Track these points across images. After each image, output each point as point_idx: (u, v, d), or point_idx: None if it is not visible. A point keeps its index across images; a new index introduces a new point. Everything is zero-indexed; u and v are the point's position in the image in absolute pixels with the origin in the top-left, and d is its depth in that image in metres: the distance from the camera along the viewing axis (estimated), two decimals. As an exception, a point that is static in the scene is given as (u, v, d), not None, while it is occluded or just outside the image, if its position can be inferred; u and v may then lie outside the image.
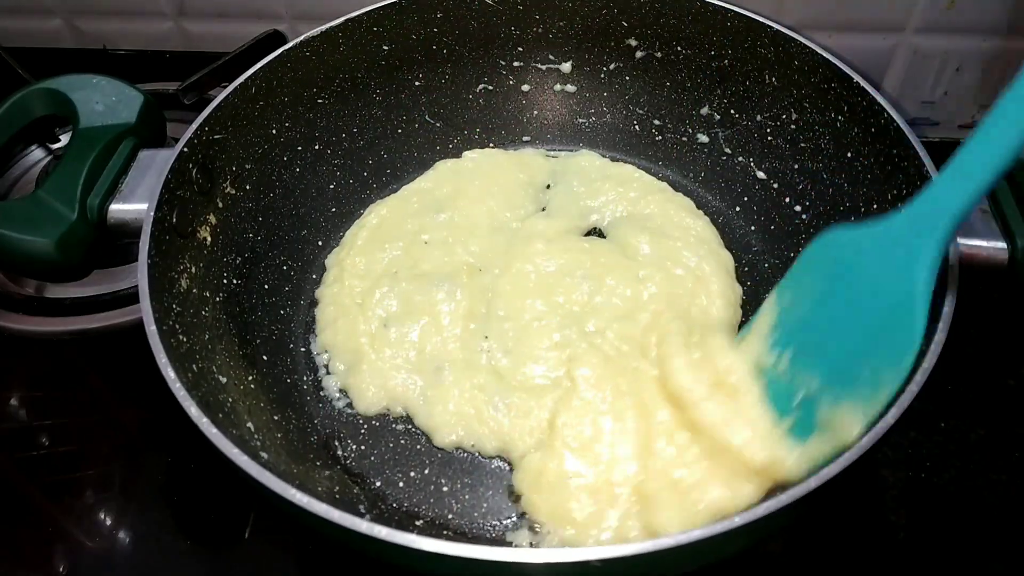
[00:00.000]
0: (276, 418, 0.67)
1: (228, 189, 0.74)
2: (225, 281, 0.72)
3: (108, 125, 0.70)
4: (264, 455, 0.58)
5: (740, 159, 0.86)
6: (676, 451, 0.58)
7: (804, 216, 0.79)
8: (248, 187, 0.76)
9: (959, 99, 0.98)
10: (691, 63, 0.85)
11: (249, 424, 0.61)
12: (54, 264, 0.65)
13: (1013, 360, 0.78)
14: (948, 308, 0.53)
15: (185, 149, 0.67)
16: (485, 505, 0.65)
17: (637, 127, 0.92)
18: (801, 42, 0.75)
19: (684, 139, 0.90)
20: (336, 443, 0.69)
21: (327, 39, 0.79)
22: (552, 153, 0.92)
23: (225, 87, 0.72)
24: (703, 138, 0.88)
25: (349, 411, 0.71)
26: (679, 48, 0.85)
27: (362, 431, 0.70)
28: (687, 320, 0.70)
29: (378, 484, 0.67)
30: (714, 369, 0.59)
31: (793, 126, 0.80)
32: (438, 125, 0.91)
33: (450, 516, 0.65)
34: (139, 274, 0.58)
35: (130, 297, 0.82)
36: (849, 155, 0.73)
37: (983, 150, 0.46)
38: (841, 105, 0.73)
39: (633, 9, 0.84)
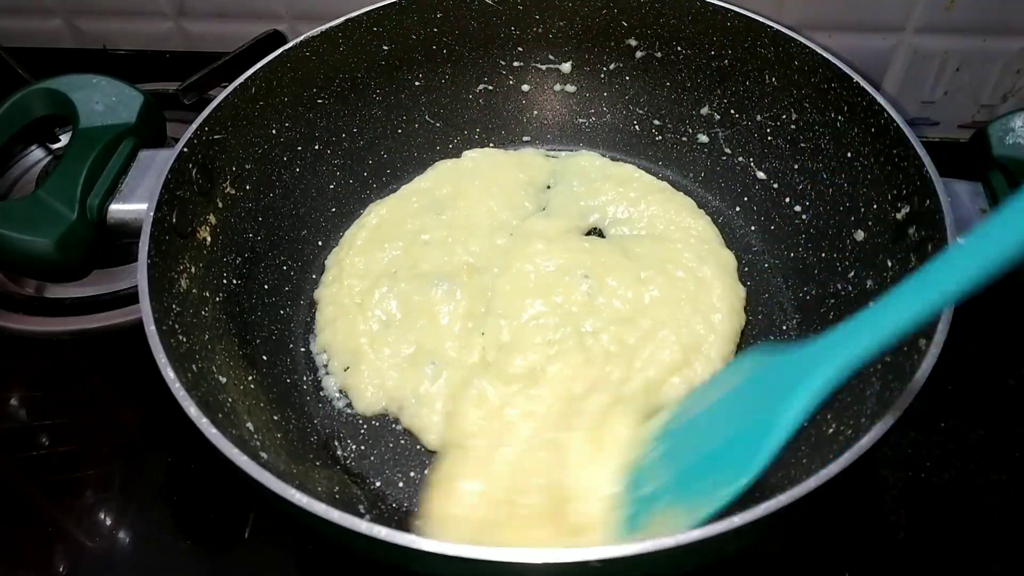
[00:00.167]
0: (276, 418, 0.67)
1: (228, 189, 0.74)
2: (225, 281, 0.72)
3: (108, 125, 0.70)
4: (264, 455, 0.58)
5: (740, 159, 0.86)
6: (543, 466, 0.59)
7: (804, 216, 0.79)
8: (248, 187, 0.76)
9: (959, 99, 0.98)
10: (691, 63, 0.85)
11: (249, 424, 0.61)
12: (54, 264, 0.65)
13: (1013, 360, 0.78)
14: (948, 308, 0.53)
15: (185, 149, 0.67)
16: (485, 505, 0.65)
17: (637, 127, 0.92)
18: (801, 42, 0.75)
19: (684, 139, 0.90)
20: (336, 443, 0.69)
21: (327, 39, 0.79)
22: (552, 153, 0.92)
23: (225, 87, 0.72)
24: (703, 138, 0.88)
25: (349, 411, 0.71)
26: (679, 48, 0.85)
27: (362, 431, 0.70)
28: (690, 331, 0.70)
29: (378, 484, 0.67)
30: (613, 438, 0.59)
31: (793, 126, 0.80)
32: (438, 125, 0.91)
33: (450, 516, 0.65)
34: (139, 274, 0.58)
35: (130, 297, 0.82)
36: (849, 155, 0.73)
37: (896, 309, 0.44)
38: (841, 105, 0.73)
39: (633, 9, 0.84)
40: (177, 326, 0.60)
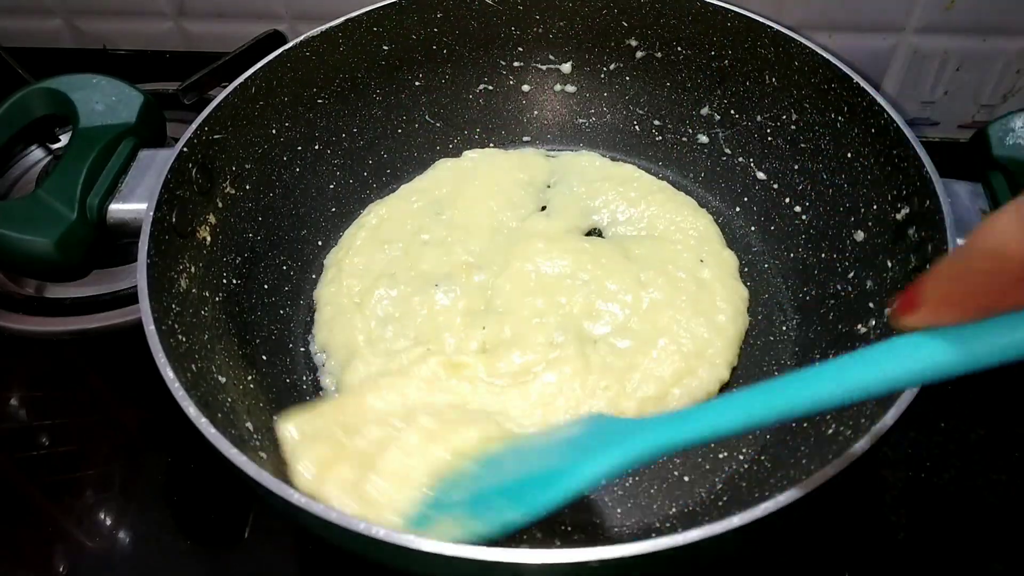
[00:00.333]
0: (276, 418, 0.67)
1: (228, 189, 0.74)
2: (225, 281, 0.72)
3: (108, 125, 0.70)
4: (264, 455, 0.58)
5: (740, 159, 0.86)
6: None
7: (804, 216, 0.79)
8: (248, 187, 0.76)
9: (959, 99, 0.98)
10: (691, 63, 0.85)
11: (248, 424, 0.61)
12: (54, 264, 0.65)
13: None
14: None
15: (185, 149, 0.67)
16: (485, 505, 0.65)
17: (637, 127, 0.92)
18: (801, 42, 0.75)
19: (684, 139, 0.90)
20: (336, 443, 0.69)
21: (327, 39, 0.79)
22: (552, 153, 0.92)
23: (225, 87, 0.72)
24: (703, 138, 0.88)
25: (349, 411, 0.71)
26: (679, 48, 0.85)
27: (362, 431, 0.70)
28: (692, 334, 0.70)
29: (378, 484, 0.67)
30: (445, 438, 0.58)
31: (793, 126, 0.80)
32: (438, 125, 0.91)
33: (450, 516, 0.65)
34: (139, 274, 0.58)
35: (130, 297, 0.82)
36: (849, 155, 0.73)
37: (727, 412, 0.44)
38: (841, 105, 0.73)
39: (633, 9, 0.84)
40: (177, 326, 0.60)
